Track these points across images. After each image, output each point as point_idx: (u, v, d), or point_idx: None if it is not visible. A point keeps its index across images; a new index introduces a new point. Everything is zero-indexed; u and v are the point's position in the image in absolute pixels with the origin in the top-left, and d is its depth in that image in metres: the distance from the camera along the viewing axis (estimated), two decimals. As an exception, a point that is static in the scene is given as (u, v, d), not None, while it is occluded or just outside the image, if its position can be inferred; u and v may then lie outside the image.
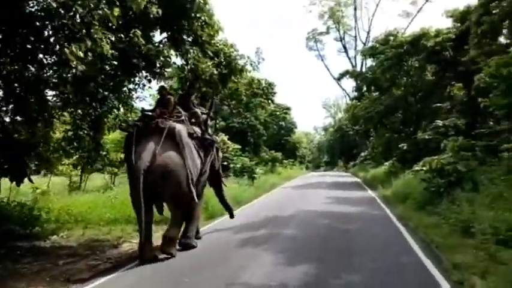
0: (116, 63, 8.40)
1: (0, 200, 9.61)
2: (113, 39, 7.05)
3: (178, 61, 10.62)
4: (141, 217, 6.68)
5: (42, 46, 7.06)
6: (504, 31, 15.02)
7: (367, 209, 13.47)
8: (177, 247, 7.49)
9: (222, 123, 29.35)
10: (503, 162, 10.94)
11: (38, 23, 6.54)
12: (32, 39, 6.88)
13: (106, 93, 9.10)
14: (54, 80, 8.20)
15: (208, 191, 9.97)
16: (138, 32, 7.83)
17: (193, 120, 8.61)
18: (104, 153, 12.03)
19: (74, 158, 11.87)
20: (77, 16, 6.39)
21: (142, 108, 8.52)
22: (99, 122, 9.57)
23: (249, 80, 20.04)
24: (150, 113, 7.98)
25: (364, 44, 47.85)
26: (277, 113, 42.53)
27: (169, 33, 9.39)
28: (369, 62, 33.76)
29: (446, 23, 21.07)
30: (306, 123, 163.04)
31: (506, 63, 10.96)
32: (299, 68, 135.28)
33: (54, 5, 6.31)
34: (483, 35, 14.59)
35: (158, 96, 8.79)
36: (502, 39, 15.57)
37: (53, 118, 9.13)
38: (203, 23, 9.61)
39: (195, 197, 7.42)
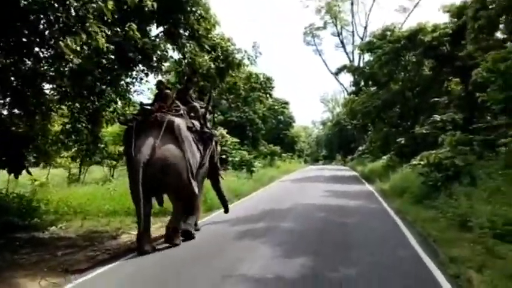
0: (112, 57, 8.37)
1: (-1, 192, 9.62)
2: (109, 33, 7.01)
3: (175, 55, 10.62)
4: (140, 209, 6.77)
5: (38, 40, 7.03)
6: (501, 26, 15.01)
7: (365, 203, 13.52)
8: (181, 239, 7.63)
9: (220, 117, 29.33)
10: (500, 156, 11.00)
11: (32, 16, 6.49)
12: (27, 32, 6.83)
13: (103, 86, 9.05)
14: (51, 74, 8.18)
15: (207, 184, 10.01)
16: (134, 26, 7.78)
17: (192, 114, 8.66)
18: (103, 146, 12.06)
19: (73, 150, 11.86)
20: (71, 9, 6.35)
21: (141, 102, 8.54)
22: (97, 115, 9.56)
23: (247, 75, 20.00)
24: (149, 107, 8.03)
25: (362, 38, 47.81)
26: (276, 107, 42.52)
27: (165, 27, 9.34)
28: (367, 56, 33.83)
29: (443, 18, 21.10)
30: (304, 117, 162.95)
31: (503, 58, 11.00)
32: (297, 62, 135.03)
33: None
34: (480, 30, 14.60)
35: (156, 90, 8.79)
36: (498, 34, 15.59)
37: (51, 111, 9.12)
38: (199, 17, 9.57)
39: (195, 190, 7.53)
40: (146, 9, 7.84)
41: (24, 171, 8.55)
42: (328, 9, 50.77)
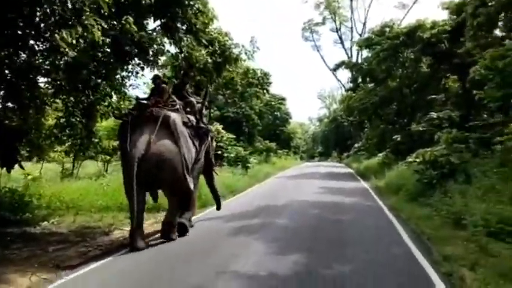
0: (108, 50, 8.29)
1: (-10, 186, 9.54)
2: (105, 26, 6.94)
3: (172, 49, 10.52)
4: (134, 205, 6.75)
5: (33, 32, 6.95)
6: (500, 23, 15.00)
7: (360, 200, 13.54)
8: (177, 234, 7.67)
9: (216, 113, 29.26)
10: (496, 154, 11.02)
11: (27, 8, 6.41)
12: (22, 24, 6.75)
13: (99, 80, 8.97)
14: (46, 67, 8.10)
15: (201, 180, 9.96)
16: (130, 19, 7.69)
17: (188, 109, 8.63)
18: (97, 140, 11.98)
19: (66, 145, 11.78)
20: (68, 2, 6.28)
21: (137, 97, 8.50)
22: (92, 109, 9.47)
23: (245, 70, 19.92)
24: (144, 102, 7.99)
25: (360, 35, 47.66)
26: (273, 103, 42.47)
27: (162, 20, 9.25)
28: (365, 53, 33.83)
29: (443, 15, 21.04)
30: (300, 113, 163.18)
31: (502, 55, 10.98)
32: (295, 58, 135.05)
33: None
34: (479, 27, 14.57)
35: (152, 85, 8.72)
36: (497, 32, 15.56)
37: (45, 105, 9.04)
38: (197, 11, 9.48)
39: (190, 185, 7.52)
40: (143, 2, 7.78)
41: (16, 166, 8.49)
42: (327, 4, 50.60)
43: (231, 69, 14.64)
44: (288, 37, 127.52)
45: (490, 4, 14.13)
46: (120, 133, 7.67)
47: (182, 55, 10.38)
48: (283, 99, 47.15)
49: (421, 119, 20.43)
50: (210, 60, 11.21)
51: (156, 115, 7.40)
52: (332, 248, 6.93)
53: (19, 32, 6.95)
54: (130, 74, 9.76)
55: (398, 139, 21.79)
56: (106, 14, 6.94)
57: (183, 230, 7.87)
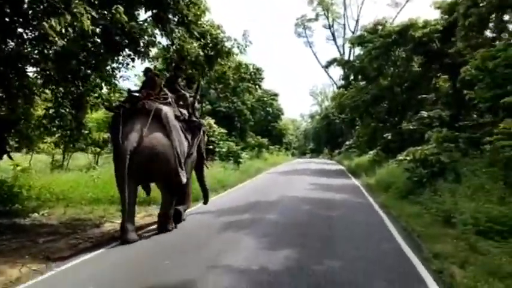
0: (98, 40, 8.16)
1: (-21, 177, 9.39)
2: (95, 15, 6.81)
3: (164, 41, 10.40)
4: (125, 197, 6.72)
5: (21, 20, 6.80)
6: (491, 25, 15.08)
7: (351, 197, 13.58)
8: (173, 224, 7.83)
9: (208, 107, 29.11)
10: (485, 154, 11.09)
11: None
12: (9, 11, 6.60)
13: (88, 71, 8.85)
14: (34, 56, 7.94)
15: (192, 174, 9.92)
16: (121, 9, 7.55)
17: (180, 102, 8.57)
18: (87, 132, 11.82)
19: (56, 136, 11.61)
20: None
21: (129, 89, 8.39)
22: (81, 100, 9.34)
23: (237, 64, 19.80)
24: (136, 94, 7.90)
25: (353, 32, 47.89)
26: (265, 98, 42.39)
27: (154, 11, 9.10)
28: (357, 50, 33.86)
29: (435, 14, 21.11)
30: (293, 110, 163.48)
31: (492, 56, 11.05)
32: (288, 54, 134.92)
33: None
34: (470, 28, 14.64)
35: (143, 77, 8.62)
36: (488, 33, 15.67)
37: (34, 95, 8.86)
38: (189, 2, 9.34)
39: (183, 179, 7.51)
40: (134, -9, 7.65)
41: (5, 156, 8.35)
42: (320, 0, 50.62)
43: (223, 63, 14.50)
44: (281, 33, 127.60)
45: (481, 5, 14.21)
46: (111, 126, 7.62)
47: (174, 47, 10.27)
48: (276, 95, 47.09)
49: (411, 117, 20.56)
50: (201, 53, 11.06)
51: (148, 108, 7.36)
52: (323, 244, 6.92)
53: (6, 19, 6.80)
54: (120, 66, 9.66)
55: (389, 137, 21.89)
56: (96, 2, 6.83)
57: (178, 217, 8.05)
